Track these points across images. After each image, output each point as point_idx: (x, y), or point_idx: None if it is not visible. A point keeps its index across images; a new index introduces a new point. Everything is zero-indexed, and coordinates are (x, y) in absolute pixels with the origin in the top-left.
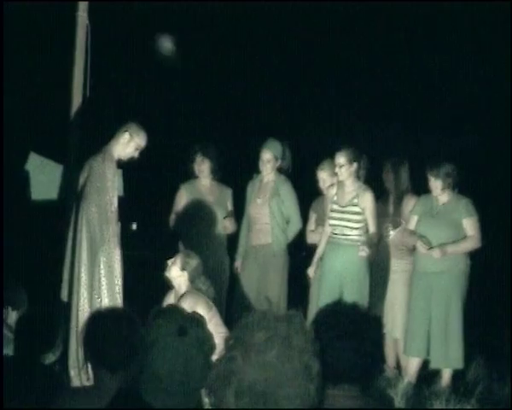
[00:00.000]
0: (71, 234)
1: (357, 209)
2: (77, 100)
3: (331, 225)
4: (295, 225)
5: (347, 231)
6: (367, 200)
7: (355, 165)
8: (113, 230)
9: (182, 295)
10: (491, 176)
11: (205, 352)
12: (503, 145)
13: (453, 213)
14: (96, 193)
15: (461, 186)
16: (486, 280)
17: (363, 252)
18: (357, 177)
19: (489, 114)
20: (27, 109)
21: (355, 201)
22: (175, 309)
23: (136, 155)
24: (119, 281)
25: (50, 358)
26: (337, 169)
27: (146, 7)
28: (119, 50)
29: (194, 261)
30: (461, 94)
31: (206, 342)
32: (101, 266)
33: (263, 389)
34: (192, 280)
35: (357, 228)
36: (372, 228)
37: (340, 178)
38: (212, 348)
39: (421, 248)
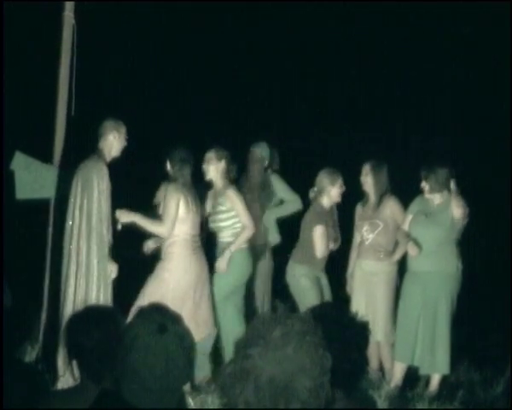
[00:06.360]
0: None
1: (222, 208)
2: (62, 100)
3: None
4: (294, 204)
5: (220, 233)
6: (228, 197)
7: (223, 162)
8: (99, 249)
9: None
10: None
11: (185, 348)
12: (478, 147)
13: (444, 213)
14: (85, 214)
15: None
16: (473, 283)
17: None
18: (226, 177)
19: (462, 116)
20: (12, 108)
21: (220, 200)
22: (153, 308)
23: (125, 143)
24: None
25: (29, 353)
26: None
27: (133, 7)
28: (105, 51)
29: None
30: (441, 96)
31: (186, 338)
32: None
33: (282, 382)
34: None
35: (226, 227)
36: (244, 221)
37: (208, 177)
38: (191, 344)
39: (400, 236)
